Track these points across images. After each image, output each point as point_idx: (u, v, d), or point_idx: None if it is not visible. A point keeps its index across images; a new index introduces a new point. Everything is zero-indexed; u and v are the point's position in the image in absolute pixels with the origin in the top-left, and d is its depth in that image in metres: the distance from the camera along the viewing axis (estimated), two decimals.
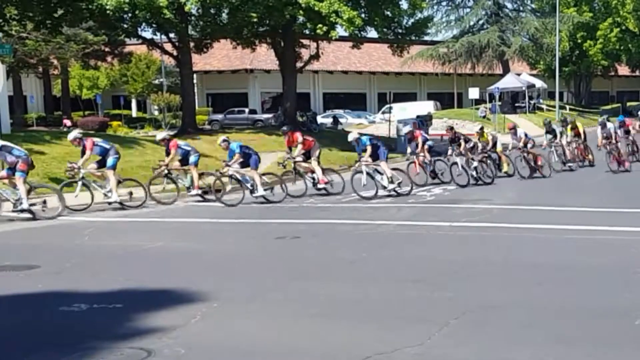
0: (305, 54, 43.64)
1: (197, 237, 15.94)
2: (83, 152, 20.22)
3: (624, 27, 72.64)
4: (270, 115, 55.94)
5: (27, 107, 61.98)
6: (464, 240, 14.20)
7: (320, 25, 35.25)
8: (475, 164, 24.40)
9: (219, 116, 59.28)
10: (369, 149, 22.06)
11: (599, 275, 10.75)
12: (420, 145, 24.84)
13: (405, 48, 44.84)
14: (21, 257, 13.44)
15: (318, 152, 23.20)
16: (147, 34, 44.24)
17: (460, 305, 9.01)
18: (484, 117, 60.45)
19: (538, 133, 50.08)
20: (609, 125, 27.69)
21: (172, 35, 40.02)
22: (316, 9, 34.42)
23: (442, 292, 9.80)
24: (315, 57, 43.30)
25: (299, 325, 8.60)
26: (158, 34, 41.72)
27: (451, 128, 26.72)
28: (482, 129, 27.43)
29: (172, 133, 31.97)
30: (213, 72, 67.76)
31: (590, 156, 28.99)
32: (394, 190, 21.80)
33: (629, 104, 79.18)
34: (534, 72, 75.23)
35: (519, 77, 68.65)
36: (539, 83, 70.80)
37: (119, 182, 20.58)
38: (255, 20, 35.92)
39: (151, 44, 43.74)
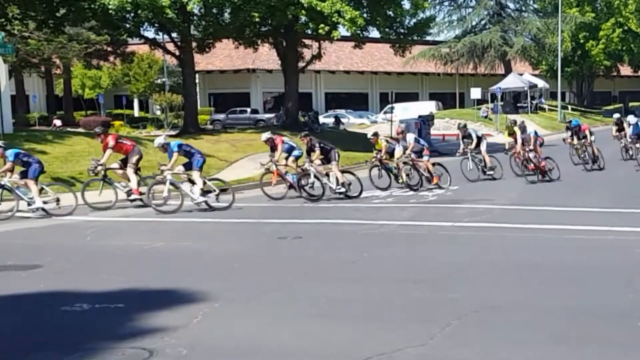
0: (307, 53, 43.61)
1: (199, 237, 15.94)
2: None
3: (626, 28, 72.57)
4: (272, 115, 55.97)
5: (30, 107, 62.05)
6: (466, 240, 14.19)
7: (322, 25, 35.24)
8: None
9: (221, 116, 59.33)
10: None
11: (602, 275, 10.74)
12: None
13: (407, 48, 44.82)
14: (23, 257, 13.47)
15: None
16: (150, 33, 44.34)
17: (462, 306, 9.00)
18: (486, 117, 60.45)
19: (540, 133, 50.22)
20: (529, 130, 26.02)
21: (174, 34, 40.01)
22: (318, 8, 34.41)
23: (444, 293, 9.80)
24: (317, 57, 43.28)
25: (300, 326, 8.60)
26: (160, 33, 41.65)
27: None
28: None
29: (172, 133, 31.93)
30: (215, 72, 67.79)
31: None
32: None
33: (631, 104, 79.13)
34: (536, 72, 75.17)
35: (521, 77, 68.61)
36: (541, 83, 70.75)
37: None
38: (257, 20, 35.90)
39: (153, 43, 43.69)
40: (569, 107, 72.06)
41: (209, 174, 22.87)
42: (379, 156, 23.39)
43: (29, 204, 18.87)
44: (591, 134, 28.24)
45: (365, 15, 37.56)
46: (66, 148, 27.36)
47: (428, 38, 52.07)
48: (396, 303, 9.46)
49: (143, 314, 9.05)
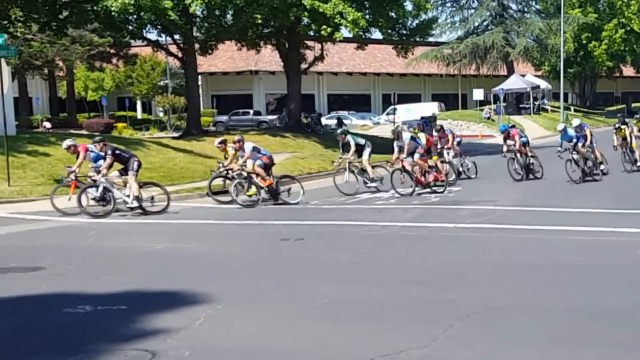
0: (309, 55, 43.63)
1: (201, 239, 15.95)
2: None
3: (628, 28, 72.60)
4: (274, 117, 56.05)
5: (33, 109, 62.15)
6: (468, 241, 14.19)
7: (324, 27, 35.27)
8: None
9: (224, 117, 59.41)
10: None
11: (603, 276, 10.74)
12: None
13: (409, 49, 44.82)
14: (26, 258, 13.49)
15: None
16: (152, 35, 44.45)
17: (464, 307, 9.01)
18: (488, 118, 60.50)
19: (543, 134, 50.33)
20: (405, 135, 23.45)
21: (177, 36, 40.04)
22: (320, 10, 34.43)
23: (446, 294, 9.81)
24: (320, 58, 43.29)
25: (302, 327, 8.62)
26: (163, 35, 41.68)
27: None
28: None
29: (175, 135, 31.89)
30: (218, 74, 67.87)
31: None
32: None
33: (633, 105, 79.17)
34: (539, 73, 75.21)
35: (524, 78, 68.66)
36: (543, 84, 70.79)
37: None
38: (259, 21, 35.95)
39: (156, 45, 43.73)
40: (572, 108, 72.07)
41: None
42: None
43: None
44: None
45: (367, 16, 37.57)
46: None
47: (430, 39, 52.05)
48: (398, 304, 9.47)
49: (145, 315, 9.06)
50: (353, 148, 23.26)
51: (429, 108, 60.03)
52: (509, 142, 25.25)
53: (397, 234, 15.47)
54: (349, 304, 9.55)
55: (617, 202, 19.14)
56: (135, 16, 36.03)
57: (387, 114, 59.48)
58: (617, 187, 22.99)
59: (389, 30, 40.47)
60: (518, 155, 25.38)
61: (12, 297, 10.36)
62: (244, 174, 21.10)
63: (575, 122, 26.07)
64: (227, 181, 22.10)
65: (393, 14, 38.81)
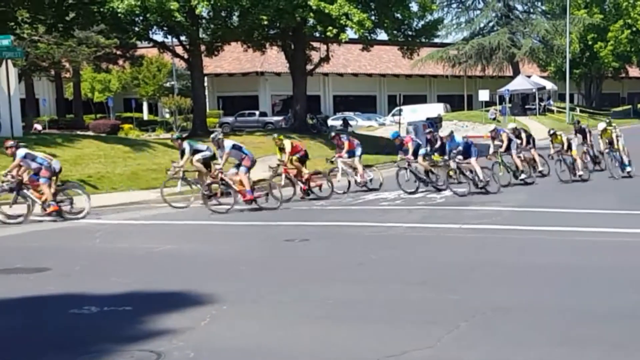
0: (315, 56, 43.72)
1: (206, 240, 15.99)
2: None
3: (634, 29, 72.53)
4: (280, 118, 56.15)
5: (40, 110, 62.31)
6: (474, 242, 14.20)
7: (330, 28, 35.34)
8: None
9: (230, 119, 59.51)
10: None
11: (608, 277, 10.75)
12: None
13: (415, 50, 44.87)
14: (31, 259, 13.52)
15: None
16: (159, 37, 44.48)
17: (469, 308, 9.02)
18: (494, 119, 60.45)
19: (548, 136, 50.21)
20: (226, 144, 20.50)
21: (183, 38, 40.15)
22: (326, 11, 34.52)
23: (451, 295, 9.82)
24: (326, 59, 43.38)
25: (307, 328, 8.63)
26: (169, 37, 41.81)
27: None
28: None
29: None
30: (224, 75, 68.00)
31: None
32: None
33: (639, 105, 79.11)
34: (545, 74, 75.19)
35: (529, 79, 68.66)
36: (549, 85, 70.79)
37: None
38: (265, 23, 36.04)
39: (162, 47, 43.85)
40: (578, 108, 72.05)
41: None
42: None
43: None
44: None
45: (373, 17, 37.66)
46: (76, 151, 27.48)
47: (436, 40, 52.05)
48: (403, 305, 9.48)
49: (151, 316, 9.08)
50: (187, 155, 21.68)
51: (434, 109, 60.09)
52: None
53: (402, 234, 15.49)
54: (353, 304, 9.56)
55: (623, 203, 19.09)
56: (141, 18, 36.18)
57: (393, 115, 59.53)
58: (623, 188, 22.91)
59: (395, 32, 40.54)
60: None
61: (17, 298, 10.39)
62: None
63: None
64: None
65: (399, 15, 38.90)
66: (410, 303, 9.59)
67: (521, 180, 24.24)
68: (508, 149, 24.36)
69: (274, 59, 60.60)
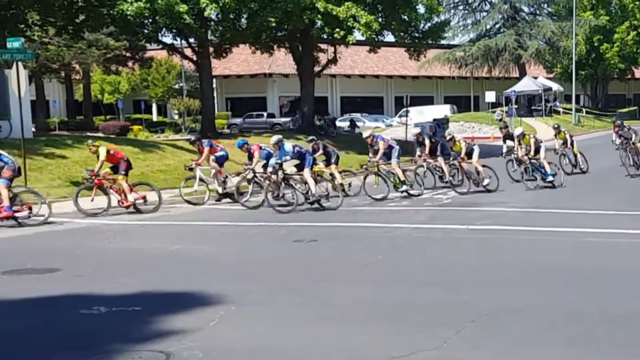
0: (323, 58, 43.83)
1: (215, 240, 16.04)
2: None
3: None
4: (288, 119, 56.23)
5: (50, 112, 62.59)
6: (480, 243, 14.25)
7: (337, 30, 35.50)
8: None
9: (238, 120, 59.63)
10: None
11: (616, 278, 10.79)
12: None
13: (422, 52, 44.91)
14: (42, 260, 13.57)
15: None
16: (168, 39, 44.69)
17: (476, 309, 9.08)
18: (500, 120, 60.53)
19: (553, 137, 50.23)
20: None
21: (191, 40, 40.29)
22: (334, 13, 34.69)
23: (458, 295, 9.87)
24: (333, 61, 43.50)
25: (316, 329, 8.70)
26: (178, 39, 41.93)
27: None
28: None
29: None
30: (232, 77, 68.16)
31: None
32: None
33: None
34: (551, 75, 75.12)
35: (536, 80, 68.65)
36: (555, 86, 70.76)
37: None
38: (273, 25, 36.18)
39: (171, 49, 44.01)
40: (584, 110, 72.05)
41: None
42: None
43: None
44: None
45: (380, 19, 37.78)
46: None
47: (443, 42, 52.17)
48: (410, 306, 9.54)
49: (160, 316, 9.14)
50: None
51: (441, 110, 60.14)
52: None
53: (409, 235, 15.55)
54: (361, 305, 9.61)
55: (629, 204, 19.07)
56: (150, 20, 36.36)
57: (400, 116, 59.64)
58: (629, 189, 22.92)
59: (402, 33, 40.62)
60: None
61: (28, 298, 10.46)
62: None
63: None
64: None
65: (405, 17, 38.99)
66: (417, 304, 9.65)
67: (402, 192, 22.58)
68: (388, 156, 23.01)
69: (282, 61, 60.73)
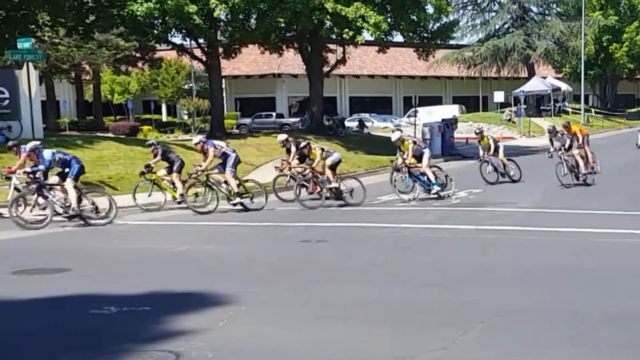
0: (331, 58, 43.88)
1: (224, 241, 16.10)
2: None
3: None
4: (297, 119, 56.38)
5: (60, 112, 62.91)
6: (489, 243, 14.27)
7: (346, 30, 35.51)
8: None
9: (247, 120, 59.82)
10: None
11: (623, 279, 10.81)
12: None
13: (430, 52, 44.89)
14: (52, 260, 13.65)
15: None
16: (177, 39, 44.75)
17: (484, 310, 9.11)
18: (509, 120, 60.64)
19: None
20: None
21: (201, 40, 40.37)
22: (343, 14, 34.71)
23: (466, 296, 9.90)
24: (342, 61, 43.53)
25: (324, 329, 8.76)
26: (187, 39, 42.00)
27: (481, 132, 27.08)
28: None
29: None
30: (241, 77, 68.33)
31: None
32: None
33: None
34: (560, 75, 75.01)
35: (545, 80, 68.56)
36: (564, 86, 70.67)
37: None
38: (282, 25, 36.23)
39: (181, 49, 44.12)
40: (592, 110, 71.97)
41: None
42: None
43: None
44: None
45: (389, 20, 37.76)
46: (95, 152, 27.79)
47: (451, 42, 52.14)
48: (418, 306, 9.58)
49: (169, 317, 9.21)
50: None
51: (449, 110, 60.11)
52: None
53: (418, 235, 15.59)
54: (369, 306, 9.66)
55: (637, 204, 18.99)
56: (160, 21, 36.48)
57: (408, 116, 59.63)
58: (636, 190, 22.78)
59: (411, 34, 40.61)
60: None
61: (38, 298, 10.54)
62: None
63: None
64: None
65: (414, 17, 38.95)
66: (425, 304, 9.69)
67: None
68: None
69: (291, 61, 60.81)
